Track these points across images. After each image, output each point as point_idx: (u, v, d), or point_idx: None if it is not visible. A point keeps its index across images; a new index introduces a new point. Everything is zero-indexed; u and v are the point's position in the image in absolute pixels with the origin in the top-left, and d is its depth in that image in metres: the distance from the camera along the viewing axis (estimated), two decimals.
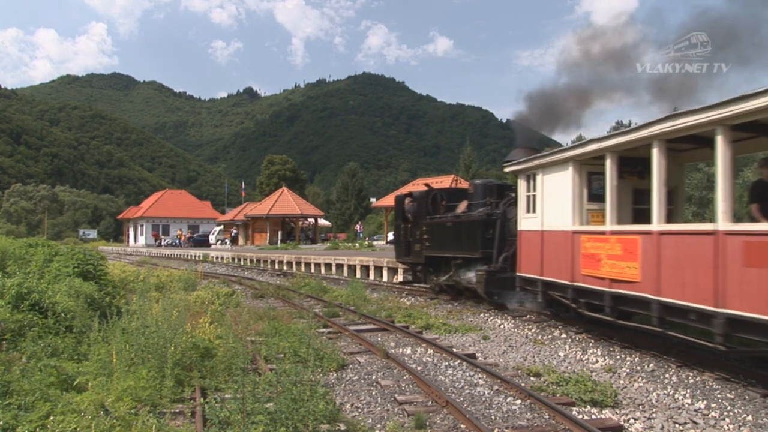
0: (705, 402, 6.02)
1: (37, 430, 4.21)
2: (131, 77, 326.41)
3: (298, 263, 26.87)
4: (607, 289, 8.25)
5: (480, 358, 8.17)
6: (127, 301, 9.76)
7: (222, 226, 60.79)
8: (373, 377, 7.05)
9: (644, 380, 6.93)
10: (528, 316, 11.38)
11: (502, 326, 10.73)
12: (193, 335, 7.01)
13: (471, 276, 12.72)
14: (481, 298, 12.62)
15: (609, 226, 8.27)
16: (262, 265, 30.33)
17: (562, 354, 8.39)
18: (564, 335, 9.71)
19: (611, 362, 7.80)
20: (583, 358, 8.11)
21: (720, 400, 6.09)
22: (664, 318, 7.23)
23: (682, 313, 6.86)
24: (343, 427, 4.92)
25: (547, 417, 5.55)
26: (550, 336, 9.70)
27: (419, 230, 15.00)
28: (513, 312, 11.77)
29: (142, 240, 70.50)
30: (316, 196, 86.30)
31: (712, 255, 6.32)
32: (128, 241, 76.78)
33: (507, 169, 11.89)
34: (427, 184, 16.15)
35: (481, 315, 11.90)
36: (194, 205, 76.15)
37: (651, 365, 7.55)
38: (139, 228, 72.67)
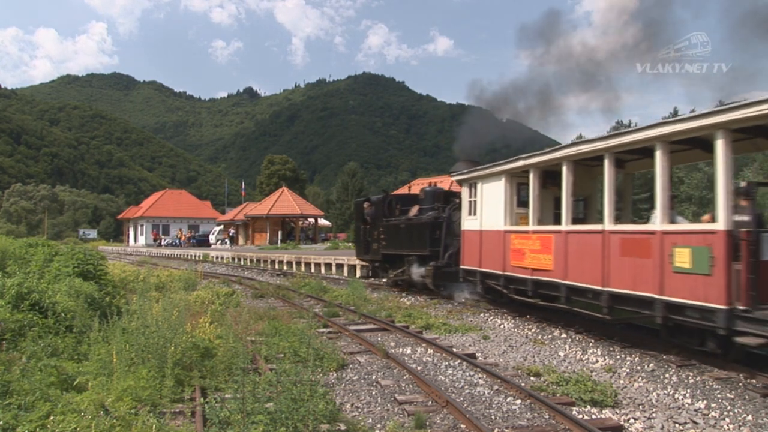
0: (705, 402, 6.02)
1: (37, 430, 4.21)
2: (131, 77, 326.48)
3: (298, 263, 26.88)
4: (529, 277, 10.41)
5: (480, 358, 8.17)
6: (127, 301, 9.76)
7: (222, 226, 60.79)
8: (373, 377, 7.05)
9: (644, 380, 6.93)
10: (527, 317, 11.42)
11: (502, 326, 10.73)
12: (193, 335, 7.01)
13: (421, 271, 14.53)
14: (431, 290, 14.36)
15: (532, 226, 10.37)
16: (262, 265, 30.34)
17: (562, 354, 8.39)
18: (564, 335, 9.71)
19: (611, 362, 7.80)
20: (583, 358, 8.11)
21: (720, 400, 6.09)
22: (569, 297, 9.40)
23: (581, 292, 9.05)
24: (343, 426, 4.92)
25: (547, 417, 5.55)
26: (550, 336, 9.70)
27: (377, 231, 16.93)
28: (512, 312, 11.87)
29: (142, 240, 70.50)
30: (316, 196, 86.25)
31: (601, 248, 8.47)
32: (128, 241, 76.77)
33: (453, 178, 13.99)
34: (384, 190, 18.57)
35: (481, 315, 11.91)
36: (194, 205, 76.15)
37: (651, 365, 7.56)
38: (139, 228, 72.67)
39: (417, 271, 14.75)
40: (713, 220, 6.83)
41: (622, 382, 6.90)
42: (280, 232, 50.27)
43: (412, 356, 8.24)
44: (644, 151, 8.40)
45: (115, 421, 4.39)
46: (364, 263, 19.46)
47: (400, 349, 8.67)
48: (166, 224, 69.76)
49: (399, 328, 10.08)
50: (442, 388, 6.37)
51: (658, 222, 7.55)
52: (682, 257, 7.07)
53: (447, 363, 7.71)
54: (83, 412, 4.54)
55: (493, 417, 5.59)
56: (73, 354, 6.59)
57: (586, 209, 10.85)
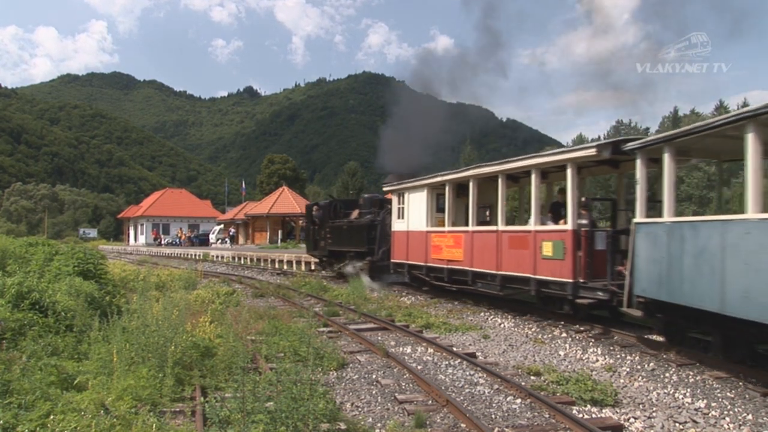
0: (705, 401, 6.02)
1: (38, 429, 4.21)
2: (131, 76, 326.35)
3: (299, 262, 26.87)
4: (445, 266, 13.48)
5: (480, 357, 8.17)
6: (127, 300, 9.75)
7: (222, 225, 60.79)
8: (374, 376, 7.05)
9: (644, 379, 6.93)
10: (528, 316, 11.46)
11: (502, 325, 10.74)
12: (194, 334, 7.01)
13: (360, 264, 17.66)
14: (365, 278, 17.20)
15: (447, 227, 13.52)
16: (262, 264, 30.33)
17: (562, 353, 8.39)
18: (564, 334, 9.72)
19: (611, 361, 7.80)
20: (584, 357, 8.11)
21: (720, 399, 6.09)
22: (474, 280, 12.38)
23: (483, 276, 12.05)
24: (343, 426, 4.92)
25: (547, 416, 5.55)
26: (550, 335, 9.70)
27: (324, 231, 20.06)
28: (512, 311, 11.94)
29: (142, 239, 70.49)
30: (317, 196, 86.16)
31: (496, 243, 11.51)
32: (128, 241, 76.75)
33: (385, 189, 17.15)
34: (330, 195, 23.01)
35: (482, 314, 11.91)
36: (194, 205, 76.14)
37: (651, 364, 7.56)
38: (139, 227, 72.65)
39: (357, 265, 17.78)
40: (566, 223, 9.86)
41: (622, 381, 6.90)
42: (280, 232, 50.27)
43: (413, 355, 8.24)
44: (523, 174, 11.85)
45: (115, 420, 4.39)
46: (313, 258, 22.62)
47: (401, 348, 8.67)
48: (166, 223, 69.73)
49: (399, 328, 10.09)
50: (443, 388, 6.37)
51: (532, 224, 10.57)
52: (547, 248, 10.11)
53: (447, 362, 7.71)
54: (83, 411, 4.53)
55: (493, 416, 5.59)
56: (73, 353, 6.58)
57: (490, 214, 13.44)
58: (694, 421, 5.46)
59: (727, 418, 5.54)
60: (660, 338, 8.52)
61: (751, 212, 6.18)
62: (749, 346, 7.11)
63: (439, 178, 13.76)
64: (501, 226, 11.43)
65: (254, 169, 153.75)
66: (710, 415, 5.64)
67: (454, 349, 8.48)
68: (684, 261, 7.21)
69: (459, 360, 7.75)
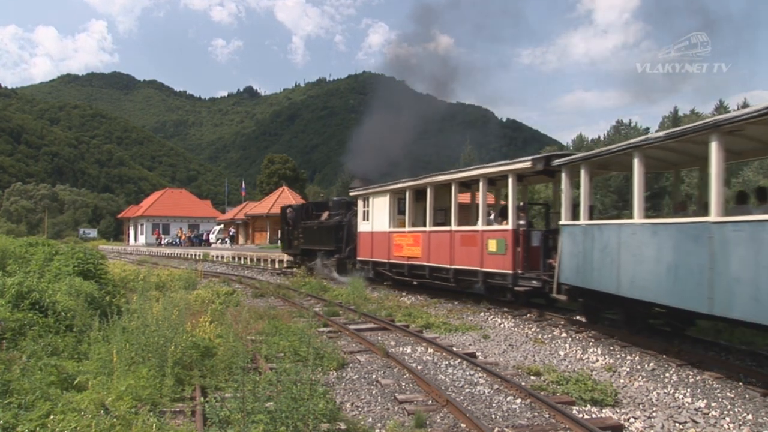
0: (705, 401, 6.02)
1: (37, 429, 4.21)
2: (131, 76, 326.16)
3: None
4: (406, 262, 15.29)
5: (480, 357, 8.17)
6: (127, 300, 9.75)
7: (222, 225, 60.79)
8: (374, 376, 7.04)
9: (644, 379, 6.93)
10: (528, 315, 11.47)
11: (502, 325, 10.74)
12: (194, 334, 7.01)
13: (329, 261, 19.65)
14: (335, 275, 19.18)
15: (408, 228, 15.36)
16: (262, 264, 30.33)
17: (562, 353, 8.39)
18: (564, 334, 9.72)
19: (611, 361, 7.80)
20: (584, 357, 8.11)
21: (720, 399, 6.09)
22: (432, 274, 14.09)
23: (439, 270, 13.75)
24: (343, 426, 4.92)
25: (547, 416, 5.54)
26: (550, 335, 9.70)
27: (297, 231, 22.32)
28: (513, 312, 11.93)
29: (142, 239, 70.47)
30: (317, 195, 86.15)
31: (449, 241, 13.19)
32: (128, 240, 76.74)
33: (351, 193, 19.05)
34: (304, 199, 23.43)
35: (482, 314, 11.91)
36: (194, 204, 76.12)
37: (651, 364, 7.56)
38: (139, 227, 72.63)
39: (326, 262, 19.81)
40: (507, 224, 11.59)
41: (622, 381, 6.90)
42: (280, 232, 50.23)
43: (413, 355, 8.24)
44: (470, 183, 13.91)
45: (115, 420, 4.39)
46: (288, 256, 24.87)
47: (400, 348, 8.66)
48: (166, 223, 69.72)
49: (399, 328, 10.08)
50: (442, 388, 6.37)
51: (480, 225, 12.44)
52: (492, 245, 11.85)
53: (447, 362, 7.71)
54: (83, 411, 4.53)
55: (493, 416, 5.59)
56: (73, 353, 6.58)
57: (446, 216, 14.36)
58: (694, 421, 5.46)
59: (727, 418, 5.54)
60: (582, 318, 10.42)
61: (637, 218, 8.06)
62: (644, 320, 9.14)
63: (400, 185, 15.67)
64: (454, 227, 13.17)
65: (254, 169, 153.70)
66: (710, 415, 5.64)
67: (454, 349, 8.48)
68: (594, 255, 9.04)
69: (459, 360, 7.75)
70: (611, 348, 8.56)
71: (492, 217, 12.89)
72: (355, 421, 5.19)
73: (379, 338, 9.42)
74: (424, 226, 14.50)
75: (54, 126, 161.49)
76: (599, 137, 64.42)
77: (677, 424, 5.39)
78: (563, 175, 10.18)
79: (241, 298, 13.44)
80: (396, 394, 6.23)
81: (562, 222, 10.07)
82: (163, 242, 61.77)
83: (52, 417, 4.34)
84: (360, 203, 18.06)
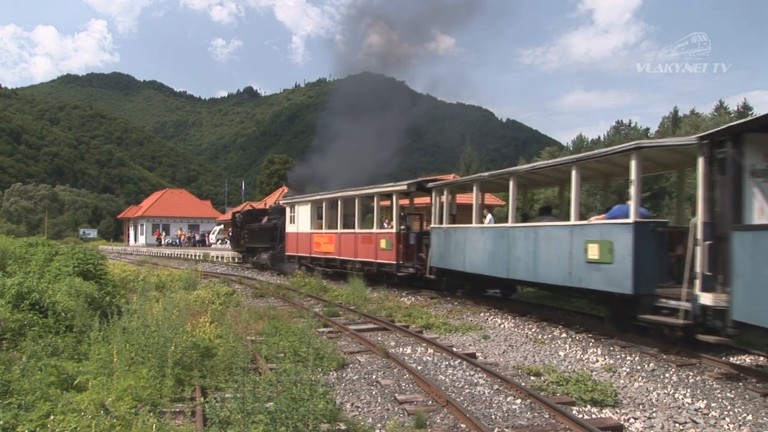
0: (705, 401, 6.02)
1: (38, 429, 4.21)
2: (131, 77, 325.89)
3: None
4: (323, 257, 19.98)
5: (480, 358, 8.17)
6: (127, 301, 9.75)
7: (222, 226, 60.68)
8: (374, 377, 7.04)
9: (644, 380, 6.93)
10: (527, 317, 11.47)
11: (502, 326, 10.74)
12: (194, 335, 7.01)
13: (266, 256, 24.70)
14: (270, 267, 24.24)
15: (324, 230, 20.13)
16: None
17: (562, 353, 8.39)
18: (564, 335, 9.72)
19: (611, 362, 7.80)
20: (584, 358, 8.11)
21: (720, 400, 6.09)
22: (342, 265, 18.62)
23: (347, 262, 18.27)
24: (343, 426, 4.92)
25: (547, 416, 5.55)
26: (550, 335, 9.70)
27: (243, 232, 27.52)
28: (512, 312, 11.95)
29: (142, 239, 70.46)
30: None
31: (354, 240, 17.71)
32: (128, 241, 76.72)
33: (281, 202, 24.73)
34: (250, 204, 31.85)
35: (482, 314, 11.91)
36: (194, 205, 76.12)
37: (651, 365, 7.56)
38: (139, 227, 72.63)
39: (264, 257, 24.93)
40: (394, 228, 16.04)
41: (622, 381, 6.90)
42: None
43: (413, 356, 8.24)
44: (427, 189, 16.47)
45: (115, 420, 4.39)
46: (236, 253, 30.34)
47: (401, 349, 8.66)
48: (166, 224, 69.71)
49: (399, 328, 10.08)
50: (443, 388, 6.37)
51: (375, 229, 17.08)
52: (383, 243, 16.22)
53: (447, 362, 7.71)
54: (83, 411, 4.53)
55: (493, 416, 5.59)
56: (73, 353, 6.58)
57: (354, 220, 18.40)
58: (694, 422, 5.46)
59: (727, 419, 5.54)
60: (447, 292, 14.75)
61: (474, 224, 12.83)
62: (482, 291, 14.18)
63: (318, 197, 20.66)
64: (357, 230, 17.96)
65: (254, 170, 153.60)
66: (710, 415, 5.64)
67: (454, 349, 8.48)
68: (450, 246, 13.77)
69: (459, 360, 7.75)
70: (611, 348, 8.56)
71: (387, 222, 17.98)
72: (355, 421, 5.19)
73: (379, 338, 9.42)
74: (337, 228, 19.02)
75: (54, 126, 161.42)
76: (599, 137, 64.44)
77: (677, 425, 5.39)
78: (433, 194, 15.09)
79: (241, 298, 13.43)
80: (396, 395, 6.23)
81: (432, 225, 14.93)
82: (163, 242, 61.75)
83: (52, 417, 4.34)
84: (288, 210, 22.89)
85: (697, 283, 7.18)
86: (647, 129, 59.52)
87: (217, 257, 36.95)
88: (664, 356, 7.98)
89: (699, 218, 7.32)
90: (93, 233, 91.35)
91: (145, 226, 70.52)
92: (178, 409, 5.30)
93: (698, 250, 7.23)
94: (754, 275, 6.20)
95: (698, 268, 7.18)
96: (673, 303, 7.72)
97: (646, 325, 8.57)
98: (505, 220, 12.14)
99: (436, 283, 15.15)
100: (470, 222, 13.11)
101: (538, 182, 14.05)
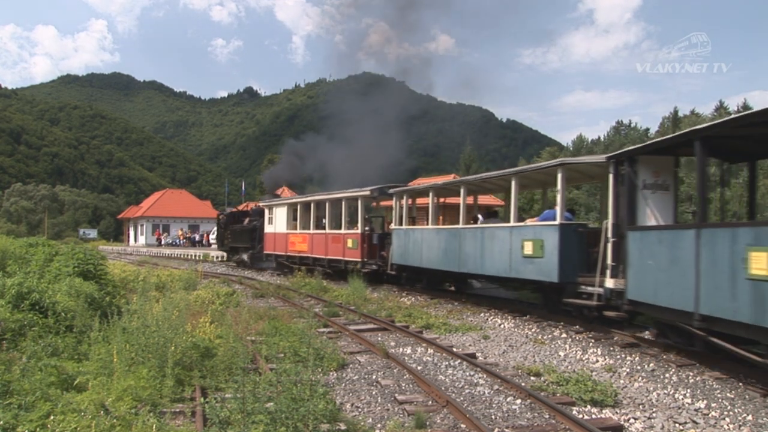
0: (705, 401, 6.02)
1: (38, 429, 4.21)
2: (131, 77, 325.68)
3: None
4: (297, 255, 21.68)
5: (480, 358, 8.17)
6: (127, 301, 9.75)
7: None
8: (374, 377, 7.04)
9: (644, 380, 6.93)
10: (528, 317, 11.48)
11: (502, 326, 10.74)
12: (194, 335, 7.01)
13: (246, 255, 26.67)
14: (251, 265, 26.33)
15: (299, 231, 21.81)
16: None
17: (562, 354, 8.39)
18: (564, 335, 9.72)
19: (611, 362, 7.80)
20: (584, 358, 8.11)
21: (720, 400, 6.09)
22: (314, 263, 20.43)
23: (319, 260, 20.22)
24: (343, 426, 4.92)
25: (547, 416, 5.55)
26: (550, 336, 9.70)
27: (227, 232, 29.43)
28: (512, 312, 11.96)
29: (142, 239, 70.43)
30: None
31: (325, 240, 19.82)
32: (128, 241, 76.69)
33: (260, 205, 26.76)
34: (235, 207, 33.54)
35: (482, 314, 11.91)
36: (194, 205, 76.03)
37: (651, 365, 7.56)
38: (139, 227, 72.58)
39: (245, 255, 26.85)
40: (359, 229, 17.69)
41: (622, 381, 6.90)
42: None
43: (413, 356, 8.24)
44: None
45: (115, 420, 4.39)
46: (221, 252, 32.31)
47: (401, 349, 8.66)
48: (166, 224, 69.65)
49: (399, 328, 10.09)
50: (443, 388, 6.37)
51: (343, 230, 18.92)
52: (349, 242, 18.01)
53: (447, 363, 7.71)
54: (83, 411, 4.53)
55: (493, 417, 5.59)
56: (73, 354, 6.58)
57: (325, 221, 20.12)
58: (694, 422, 5.46)
59: (727, 419, 5.54)
60: (411, 287, 16.27)
61: (430, 225, 14.89)
62: (439, 284, 15.78)
63: (293, 200, 23.17)
64: (328, 230, 19.74)
65: (254, 170, 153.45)
66: (710, 415, 5.64)
67: (454, 349, 8.48)
68: (409, 245, 15.48)
69: (459, 360, 7.75)
70: (611, 348, 8.56)
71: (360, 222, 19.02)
72: (355, 421, 5.19)
73: (380, 339, 9.42)
74: (310, 229, 21.07)
75: (54, 126, 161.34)
76: (599, 137, 64.48)
77: (677, 425, 5.39)
78: (394, 199, 16.77)
79: (241, 298, 13.43)
80: (396, 395, 6.23)
81: (393, 227, 16.71)
82: (162, 242, 61.74)
83: (52, 417, 4.34)
84: (266, 211, 25.15)
85: (607, 272, 8.89)
86: (647, 129, 59.54)
87: (218, 257, 36.94)
88: (664, 356, 7.99)
89: (609, 221, 9.00)
90: (93, 233, 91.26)
91: (145, 227, 70.47)
92: (178, 410, 5.30)
93: (608, 246, 8.91)
94: (641, 264, 8.13)
95: (608, 261, 8.89)
96: (590, 289, 9.42)
97: (570, 309, 10.42)
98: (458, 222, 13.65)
99: (396, 278, 16.75)
100: (456, 222, 14.20)
101: (487, 189, 16.14)
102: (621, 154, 8.95)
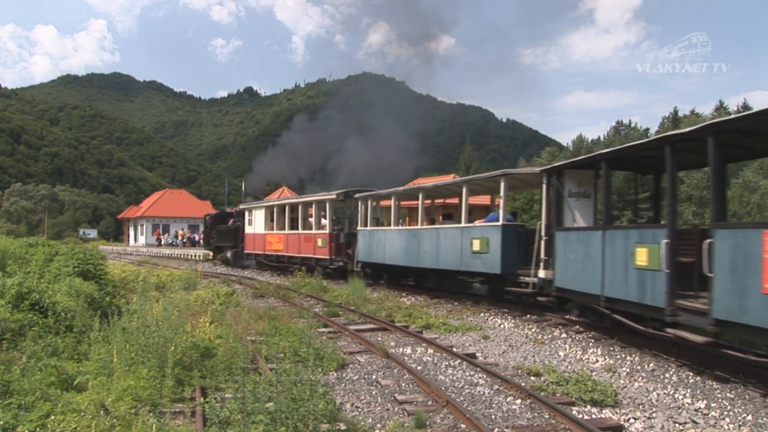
0: (705, 401, 6.02)
1: (37, 429, 4.21)
2: (131, 77, 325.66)
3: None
4: (274, 254, 23.83)
5: (480, 358, 8.17)
6: (127, 301, 9.74)
7: None
8: (374, 377, 7.05)
9: (644, 380, 6.93)
10: (528, 317, 11.47)
11: (502, 326, 10.74)
12: (194, 335, 7.00)
13: (229, 254, 28.70)
14: (233, 263, 28.39)
15: (275, 231, 23.97)
16: None
17: (562, 354, 8.39)
18: (564, 335, 9.72)
19: (611, 362, 7.81)
20: (584, 358, 8.11)
21: (720, 400, 6.09)
22: (289, 261, 22.41)
23: (293, 257, 22.15)
24: (343, 426, 4.92)
25: (547, 416, 5.55)
26: (550, 336, 9.70)
27: (213, 232, 31.62)
28: (513, 312, 11.96)
29: (142, 239, 70.42)
30: None
31: (298, 239, 21.90)
32: (128, 241, 76.68)
33: (241, 207, 29.26)
34: (220, 209, 37.09)
35: (482, 314, 11.91)
36: (194, 205, 75.95)
37: (651, 365, 7.56)
38: (139, 227, 72.57)
39: (229, 254, 28.71)
40: (328, 229, 19.77)
41: (622, 381, 6.90)
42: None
43: (413, 356, 8.24)
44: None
45: (115, 420, 4.39)
46: (208, 251, 34.09)
47: (401, 349, 8.66)
48: (166, 224, 69.65)
49: (399, 328, 10.09)
50: (443, 388, 6.37)
51: (313, 230, 20.80)
52: (320, 242, 20.11)
53: (447, 363, 7.71)
54: (83, 411, 4.53)
55: (493, 417, 5.59)
56: (73, 354, 6.58)
57: (299, 222, 21.92)
58: (694, 422, 5.46)
59: (727, 419, 5.54)
60: (372, 281, 17.89)
61: (392, 227, 16.96)
62: (399, 279, 17.21)
63: (270, 203, 25.33)
64: (301, 231, 21.63)
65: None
66: (710, 415, 5.64)
67: (454, 349, 8.48)
68: (374, 244, 17.19)
69: (459, 360, 7.75)
70: (611, 348, 8.56)
71: (323, 222, 20.78)
72: (355, 421, 5.19)
73: (379, 339, 9.43)
74: (285, 230, 23.10)
75: (54, 126, 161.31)
76: (599, 138, 64.46)
77: (677, 425, 5.39)
78: (359, 202, 18.34)
79: (241, 298, 13.43)
80: (396, 395, 6.23)
81: (359, 228, 18.40)
82: (162, 242, 61.73)
83: (52, 417, 4.34)
84: (247, 213, 27.20)
85: (541, 264, 10.64)
86: (647, 129, 59.56)
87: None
88: (664, 356, 7.99)
89: (542, 222, 10.79)
90: (93, 233, 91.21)
91: (145, 227, 70.46)
92: (178, 410, 5.30)
93: (541, 243, 10.67)
94: (564, 258, 9.92)
95: (541, 255, 10.64)
96: (527, 279, 11.18)
97: (511, 297, 12.31)
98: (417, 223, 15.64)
99: (362, 274, 18.06)
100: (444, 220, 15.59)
101: (443, 194, 17.38)
102: (551, 168, 10.75)
